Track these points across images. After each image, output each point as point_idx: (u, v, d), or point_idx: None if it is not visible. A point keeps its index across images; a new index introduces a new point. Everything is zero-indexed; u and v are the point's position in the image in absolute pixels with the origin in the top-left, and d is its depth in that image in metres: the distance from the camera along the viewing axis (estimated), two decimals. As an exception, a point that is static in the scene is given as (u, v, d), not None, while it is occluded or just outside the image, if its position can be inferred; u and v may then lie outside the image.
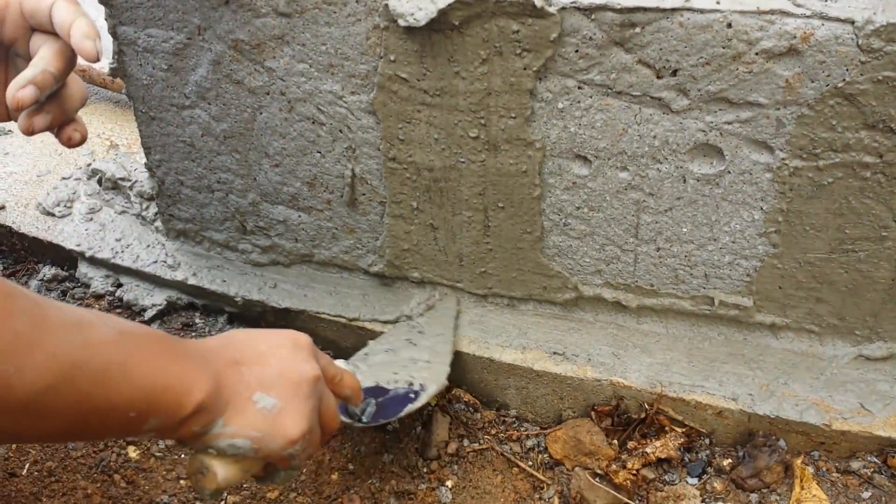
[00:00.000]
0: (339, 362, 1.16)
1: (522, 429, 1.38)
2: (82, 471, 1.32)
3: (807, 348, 1.33)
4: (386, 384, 1.29)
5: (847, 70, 1.05)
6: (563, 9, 1.10)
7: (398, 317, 1.45)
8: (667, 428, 1.29)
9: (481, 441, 1.35)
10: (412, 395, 1.27)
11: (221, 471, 0.90)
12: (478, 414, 1.39)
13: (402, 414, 1.24)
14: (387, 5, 1.17)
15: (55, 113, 1.06)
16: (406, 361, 1.34)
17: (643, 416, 1.30)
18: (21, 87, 0.98)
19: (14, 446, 1.35)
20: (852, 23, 1.02)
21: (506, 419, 1.40)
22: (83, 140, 1.11)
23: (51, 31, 1.05)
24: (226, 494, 1.28)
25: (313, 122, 1.34)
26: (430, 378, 1.30)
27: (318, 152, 1.38)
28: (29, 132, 1.04)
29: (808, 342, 1.33)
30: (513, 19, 1.12)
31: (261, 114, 1.36)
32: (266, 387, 0.92)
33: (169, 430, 0.83)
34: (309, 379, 0.96)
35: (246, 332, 1.01)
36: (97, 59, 1.03)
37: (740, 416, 1.26)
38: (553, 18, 1.11)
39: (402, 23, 1.15)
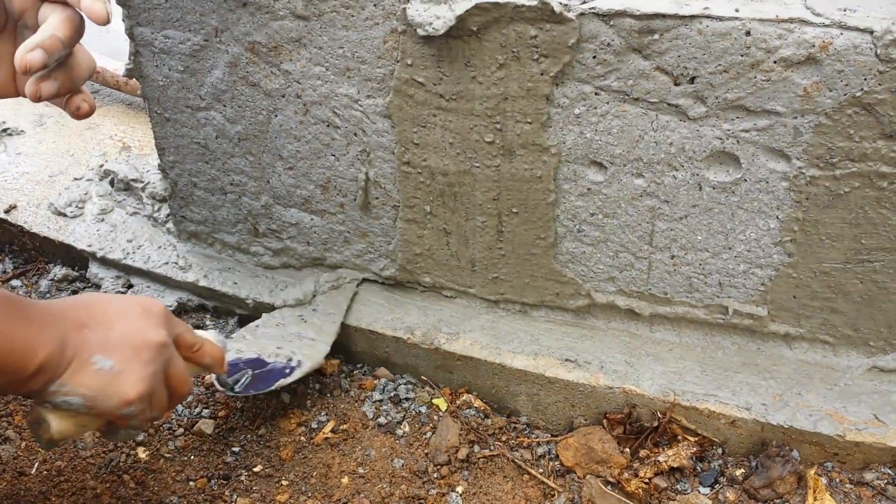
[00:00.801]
0: (209, 333, 1.20)
1: (533, 436, 1.38)
2: (91, 471, 1.32)
3: (821, 359, 1.33)
4: (267, 357, 1.36)
5: (865, 79, 1.05)
6: (582, 14, 1.10)
7: (306, 295, 1.49)
8: (679, 437, 1.28)
9: (492, 447, 1.34)
10: (287, 371, 1.34)
11: (56, 424, 0.98)
12: (488, 420, 1.39)
13: (274, 387, 1.32)
14: (405, 10, 1.17)
15: (62, 80, 1.06)
16: (292, 337, 1.40)
17: (656, 424, 1.29)
18: (29, 51, 0.98)
19: (24, 444, 1.35)
20: (871, 32, 1.02)
21: (516, 426, 1.39)
22: (91, 111, 1.11)
23: (59, 1, 1.05)
24: (234, 496, 1.27)
25: (328, 126, 1.34)
26: (309, 355, 1.36)
27: (333, 155, 1.38)
28: (36, 97, 1.05)
29: (822, 353, 1.32)
30: (531, 24, 1.13)
31: (276, 116, 1.37)
32: (107, 349, 0.97)
33: (13, 386, 0.91)
34: (152, 344, 1.01)
35: (97, 296, 1.06)
36: (107, 21, 1.03)
37: (753, 426, 1.25)
38: (571, 24, 1.11)
39: (420, 32, 1.16)
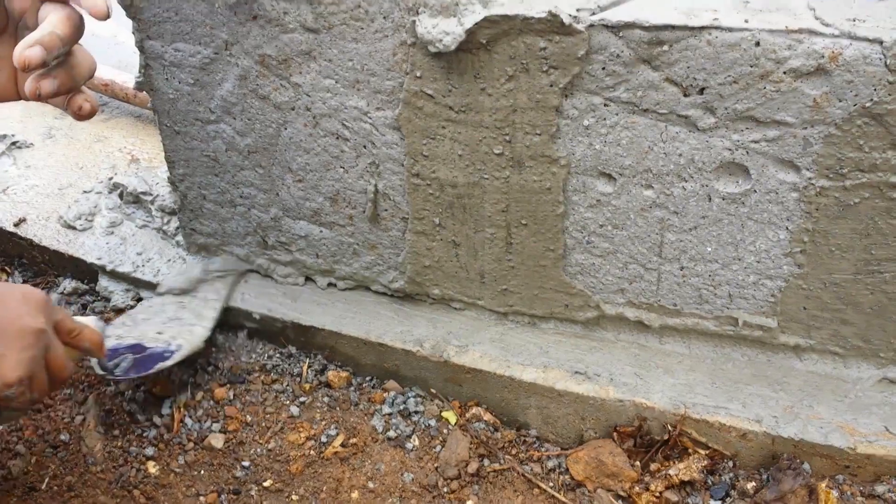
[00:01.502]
0: (88, 319, 1.25)
1: (543, 449, 1.37)
2: (101, 486, 1.31)
3: (831, 370, 1.32)
4: (147, 342, 1.40)
5: (875, 90, 1.05)
6: (592, 26, 1.11)
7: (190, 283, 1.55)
8: (690, 450, 1.28)
9: (502, 461, 1.34)
10: (167, 354, 1.38)
11: None
12: (498, 433, 1.38)
13: (153, 371, 1.36)
14: (414, 23, 1.17)
15: (62, 79, 1.06)
16: (172, 322, 1.44)
17: (666, 437, 1.28)
18: (28, 47, 0.99)
19: (34, 459, 1.35)
20: (881, 43, 1.02)
21: (526, 439, 1.39)
22: (93, 111, 1.12)
23: (59, 0, 1.06)
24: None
25: (338, 138, 1.35)
26: (188, 339, 1.41)
27: (342, 168, 1.38)
28: (35, 95, 1.05)
29: (832, 364, 1.32)
30: (540, 36, 1.13)
31: (285, 129, 1.37)
32: None
33: None
34: (31, 330, 1.05)
35: None
36: (107, 16, 1.03)
37: (764, 439, 1.25)
38: (581, 36, 1.11)
39: (431, 49, 1.16)
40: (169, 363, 1.37)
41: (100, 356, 1.25)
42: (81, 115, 1.12)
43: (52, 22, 1.03)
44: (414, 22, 1.17)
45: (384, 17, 1.20)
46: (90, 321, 1.24)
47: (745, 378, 1.32)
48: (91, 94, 1.12)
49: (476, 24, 1.13)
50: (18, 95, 1.14)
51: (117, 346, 1.39)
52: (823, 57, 1.04)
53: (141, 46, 1.39)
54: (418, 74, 1.22)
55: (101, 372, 1.35)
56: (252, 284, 1.58)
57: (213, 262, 1.55)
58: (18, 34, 1.12)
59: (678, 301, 1.32)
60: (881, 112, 1.06)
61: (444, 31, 1.15)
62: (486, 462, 1.33)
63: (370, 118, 1.31)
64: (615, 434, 1.32)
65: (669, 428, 1.28)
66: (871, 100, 1.05)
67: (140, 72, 1.43)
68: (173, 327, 1.43)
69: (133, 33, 1.39)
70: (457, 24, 1.15)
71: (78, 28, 1.06)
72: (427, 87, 1.23)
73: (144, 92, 1.47)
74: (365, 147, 1.34)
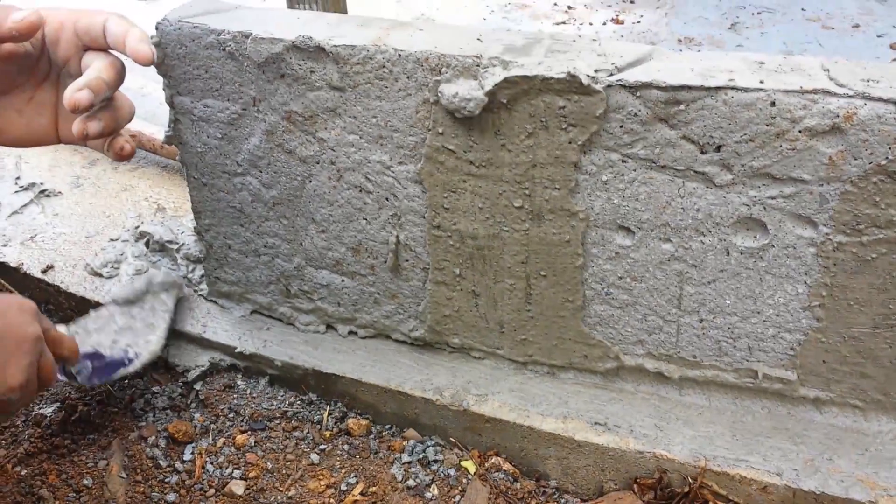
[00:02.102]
0: (60, 327, 1.35)
1: (563, 500, 1.37)
2: (123, 532, 1.33)
3: (851, 423, 1.32)
4: (104, 350, 1.48)
5: (890, 148, 1.07)
6: (609, 86, 1.14)
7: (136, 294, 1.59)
8: (710, 502, 1.28)
9: (521, 511, 1.34)
10: (126, 362, 1.48)
11: None
12: (517, 484, 1.38)
13: (116, 377, 1.48)
14: (437, 82, 1.21)
15: (107, 121, 1.14)
16: (125, 331, 1.52)
17: (687, 490, 1.28)
18: (77, 90, 1.06)
19: (57, 505, 1.36)
20: (895, 103, 1.04)
21: (546, 490, 1.39)
22: (133, 152, 1.22)
23: (102, 48, 1.13)
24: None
25: (361, 191, 1.38)
26: (145, 348, 1.51)
27: (364, 219, 1.41)
28: (83, 136, 1.13)
29: (852, 417, 1.32)
30: (559, 96, 1.16)
31: (310, 182, 1.41)
32: None
33: None
34: (31, 338, 1.13)
35: None
36: (152, 61, 1.14)
37: (785, 492, 1.25)
38: (599, 96, 1.14)
39: (458, 116, 1.20)
40: (131, 369, 1.49)
41: (74, 363, 1.37)
42: (122, 156, 1.20)
43: (97, 67, 1.11)
44: (437, 81, 1.21)
45: (408, 77, 1.24)
46: (62, 329, 1.35)
47: (765, 431, 1.32)
48: (130, 137, 1.18)
49: (496, 84, 1.17)
50: (58, 139, 1.20)
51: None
52: (838, 116, 1.07)
53: (171, 102, 1.44)
54: (440, 131, 1.25)
55: (64, 378, 1.44)
56: (274, 332, 1.60)
57: (156, 275, 1.61)
58: (61, 81, 1.19)
59: (697, 353, 1.33)
60: (896, 170, 1.08)
61: (466, 97, 1.19)
62: (505, 513, 1.34)
63: (393, 172, 1.34)
64: (635, 486, 1.32)
65: (690, 480, 1.28)
66: (887, 158, 1.07)
67: (169, 126, 1.47)
68: (127, 336, 1.52)
69: (164, 89, 1.43)
70: (478, 87, 1.18)
71: (120, 74, 1.15)
72: (449, 143, 1.26)
73: (170, 145, 1.51)
74: (387, 199, 1.37)
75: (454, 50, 1.21)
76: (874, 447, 1.28)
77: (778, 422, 1.33)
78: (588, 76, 1.13)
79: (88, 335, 1.51)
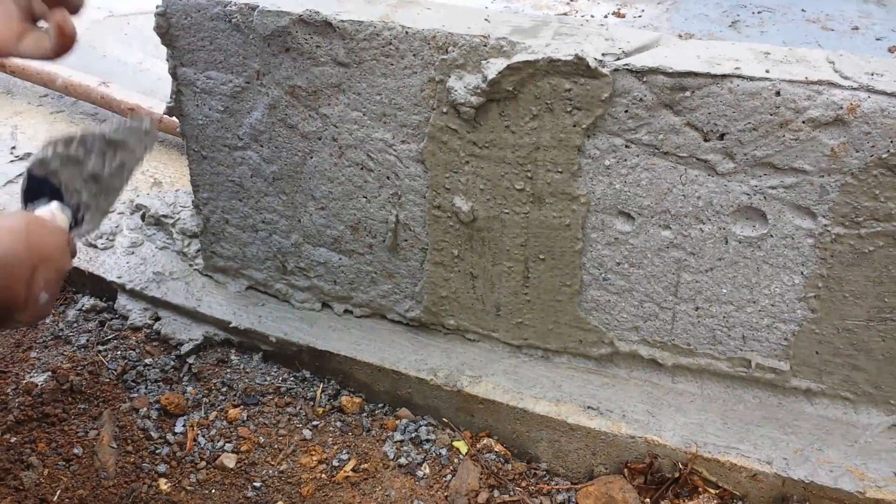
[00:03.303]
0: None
1: (553, 482, 1.38)
2: (113, 500, 1.32)
3: (841, 415, 1.33)
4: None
5: (892, 141, 1.08)
6: (616, 70, 1.14)
7: None
8: (700, 489, 1.29)
9: (512, 493, 1.35)
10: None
11: None
12: (509, 465, 1.39)
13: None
14: (443, 61, 1.21)
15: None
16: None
17: (677, 475, 1.29)
18: None
19: (46, 472, 1.36)
20: (898, 96, 1.05)
21: (536, 472, 1.40)
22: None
23: None
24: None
25: (362, 168, 1.38)
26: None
27: (364, 197, 1.41)
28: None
29: (842, 409, 1.33)
30: (565, 78, 1.16)
31: (311, 158, 1.40)
32: None
33: None
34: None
35: None
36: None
37: (774, 480, 1.26)
38: (605, 79, 1.14)
39: (462, 111, 1.22)
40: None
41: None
42: (66, 34, 1.16)
43: None
44: (443, 59, 1.21)
45: (414, 55, 1.24)
46: None
47: (756, 420, 1.33)
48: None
49: (500, 72, 1.17)
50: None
51: None
52: (842, 108, 1.07)
53: (174, 73, 1.43)
54: (444, 110, 1.25)
55: None
56: (269, 308, 1.60)
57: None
58: None
59: (692, 341, 1.34)
60: (897, 163, 1.09)
61: (469, 88, 1.20)
62: (496, 493, 1.34)
63: (395, 150, 1.34)
64: (626, 470, 1.33)
65: (680, 466, 1.29)
66: (888, 151, 1.08)
67: (171, 97, 1.46)
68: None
69: (167, 60, 1.43)
70: (481, 79, 1.19)
71: None
72: (452, 123, 1.26)
73: (170, 117, 1.50)
74: (388, 178, 1.37)
75: (462, 29, 1.21)
76: (864, 439, 1.30)
77: (769, 411, 1.35)
78: (595, 59, 1.13)
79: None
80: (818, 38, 3.08)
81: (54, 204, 1.15)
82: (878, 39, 3.06)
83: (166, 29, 1.39)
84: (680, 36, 3.04)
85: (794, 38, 3.07)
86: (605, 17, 3.23)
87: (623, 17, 3.26)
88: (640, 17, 3.28)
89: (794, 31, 3.16)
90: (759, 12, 3.34)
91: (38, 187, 1.18)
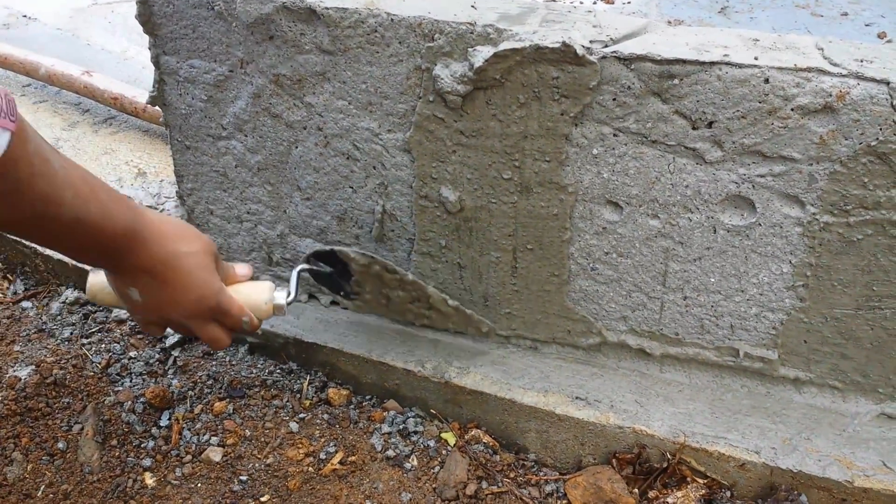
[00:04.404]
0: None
1: (542, 473, 1.37)
2: (97, 495, 1.31)
3: (830, 404, 1.33)
4: None
5: (881, 129, 1.07)
6: (604, 58, 1.13)
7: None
8: (688, 479, 1.28)
9: (500, 484, 1.34)
10: None
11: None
12: (497, 456, 1.38)
13: None
14: (429, 48, 1.19)
15: None
16: None
17: (665, 465, 1.29)
18: None
19: (30, 467, 1.34)
20: (888, 83, 1.04)
21: (525, 463, 1.39)
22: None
23: None
24: (241, 526, 1.27)
25: (348, 158, 1.36)
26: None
27: (351, 187, 1.40)
28: None
29: (831, 398, 1.33)
30: (553, 66, 1.15)
31: (296, 147, 1.39)
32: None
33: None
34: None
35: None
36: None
37: (763, 470, 1.26)
38: (593, 67, 1.13)
39: (448, 99, 1.20)
40: None
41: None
42: None
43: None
44: (430, 47, 1.19)
45: (399, 42, 1.22)
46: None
47: (744, 409, 1.33)
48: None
49: (486, 60, 1.15)
50: None
51: None
52: (831, 96, 1.07)
53: (156, 62, 1.41)
54: (431, 99, 1.24)
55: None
56: (255, 300, 1.58)
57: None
58: None
59: (680, 330, 1.33)
60: (886, 151, 1.08)
61: (456, 77, 1.19)
62: (484, 484, 1.34)
63: (381, 140, 1.32)
64: (614, 460, 1.32)
65: (668, 456, 1.29)
66: (877, 139, 1.07)
67: (154, 87, 1.44)
68: None
69: (149, 48, 1.41)
70: (468, 67, 1.17)
71: None
72: (439, 112, 1.25)
73: (153, 107, 1.48)
74: (374, 168, 1.36)
75: (448, 16, 1.20)
76: (852, 428, 1.30)
77: (757, 401, 1.34)
78: (583, 46, 1.12)
79: None
80: (807, 23, 3.08)
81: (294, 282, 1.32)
82: (867, 25, 3.06)
83: (148, 17, 1.37)
84: (669, 22, 3.02)
85: (783, 24, 3.07)
86: (594, 3, 3.21)
87: (612, 3, 3.25)
88: (629, 3, 3.27)
89: (783, 17, 3.15)
90: (748, -2, 3.33)
91: (329, 259, 1.37)
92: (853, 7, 3.22)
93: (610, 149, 1.20)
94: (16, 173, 0.87)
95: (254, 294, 1.24)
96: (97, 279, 1.18)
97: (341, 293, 1.40)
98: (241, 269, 1.27)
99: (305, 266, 1.35)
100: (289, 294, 1.27)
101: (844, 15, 3.15)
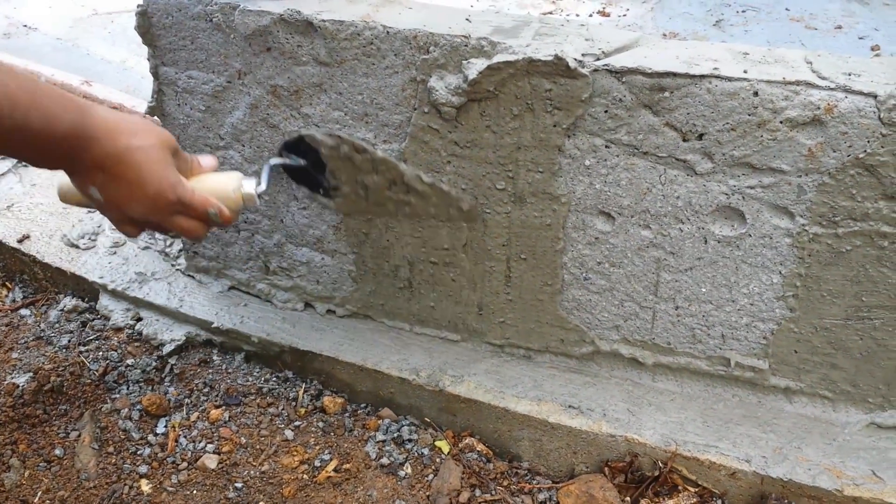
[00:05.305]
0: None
1: (535, 482, 1.38)
2: (94, 502, 1.32)
3: (820, 413, 1.34)
4: None
5: (868, 142, 1.08)
6: (596, 71, 1.15)
7: None
8: (680, 487, 1.29)
9: (493, 492, 1.35)
10: None
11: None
12: (490, 464, 1.39)
13: None
14: (424, 61, 1.21)
15: None
16: None
17: (657, 473, 1.30)
18: None
19: (27, 473, 1.35)
20: (875, 97, 1.06)
21: (518, 471, 1.40)
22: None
23: None
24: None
25: (344, 168, 1.38)
26: None
27: (346, 197, 1.41)
28: None
29: (821, 408, 1.34)
30: (546, 79, 1.17)
31: (293, 157, 1.40)
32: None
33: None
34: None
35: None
36: None
37: (753, 479, 1.27)
38: (585, 80, 1.15)
39: (443, 110, 1.22)
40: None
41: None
42: None
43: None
44: (424, 59, 1.21)
45: (395, 55, 1.24)
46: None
47: (735, 418, 1.34)
48: None
49: (480, 72, 1.17)
50: None
51: None
52: (819, 108, 1.08)
53: (155, 72, 1.43)
54: (426, 110, 1.26)
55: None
56: (252, 308, 1.60)
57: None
58: None
59: (672, 340, 1.35)
60: (874, 163, 1.09)
61: (450, 89, 1.20)
62: (477, 493, 1.35)
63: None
64: (606, 469, 1.34)
65: (660, 464, 1.30)
66: (865, 151, 1.09)
67: (153, 97, 1.46)
68: None
69: (148, 59, 1.42)
70: (462, 80, 1.19)
71: None
72: (433, 123, 1.26)
73: (152, 117, 1.50)
74: (370, 178, 1.37)
75: (443, 29, 1.21)
76: (842, 437, 1.31)
77: (748, 410, 1.35)
78: (575, 60, 1.14)
79: None
80: (801, 36, 3.10)
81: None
82: (860, 38, 3.08)
83: (147, 28, 1.39)
84: (664, 35, 3.05)
85: (777, 37, 3.09)
86: (590, 16, 3.24)
87: (608, 16, 3.27)
88: (624, 16, 3.29)
89: (777, 30, 3.18)
90: (743, 11, 3.36)
91: (300, 149, 1.25)
92: (847, 20, 3.25)
93: (602, 160, 1.22)
94: None
95: (220, 184, 1.19)
96: (65, 180, 1.15)
97: (320, 190, 1.31)
98: (206, 160, 1.22)
99: (278, 160, 1.28)
100: (259, 184, 1.21)
101: (838, 28, 3.17)
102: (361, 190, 1.29)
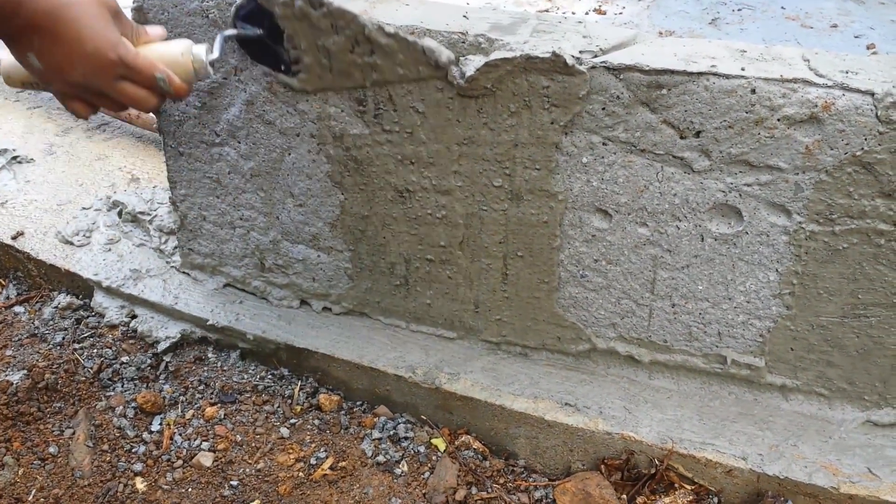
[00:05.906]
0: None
1: (531, 479, 1.38)
2: (89, 500, 1.31)
3: (816, 411, 1.34)
4: None
5: (865, 139, 1.08)
6: (593, 68, 1.14)
7: None
8: (676, 485, 1.29)
9: (489, 490, 1.35)
10: None
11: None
12: (486, 462, 1.39)
13: None
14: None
15: None
16: None
17: (653, 471, 1.30)
18: None
19: (21, 471, 1.35)
20: (872, 94, 1.06)
21: (514, 468, 1.40)
22: None
23: None
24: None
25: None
26: None
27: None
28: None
29: (817, 405, 1.34)
30: (543, 75, 1.16)
31: (289, 154, 1.40)
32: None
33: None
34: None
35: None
36: None
37: (749, 476, 1.27)
38: (583, 77, 1.15)
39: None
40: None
41: None
42: None
43: None
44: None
45: (392, 50, 1.23)
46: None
47: (731, 416, 1.34)
48: None
49: (478, 69, 1.17)
50: None
51: None
52: (816, 106, 1.08)
53: (150, 68, 1.42)
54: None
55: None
56: (247, 306, 1.59)
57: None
58: None
59: (668, 337, 1.34)
60: (871, 161, 1.09)
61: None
62: (473, 490, 1.34)
63: (373, 147, 1.33)
64: (603, 466, 1.33)
65: (657, 462, 1.30)
66: (862, 149, 1.09)
67: (148, 92, 1.45)
68: None
69: (143, 55, 1.41)
70: (459, 74, 1.18)
71: None
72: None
73: (147, 113, 1.49)
74: (367, 175, 1.37)
75: (440, 25, 1.21)
76: (838, 435, 1.31)
77: (744, 407, 1.35)
78: (573, 56, 1.13)
79: None
80: (797, 35, 3.10)
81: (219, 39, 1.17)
82: (856, 37, 3.08)
83: (143, 23, 1.38)
84: (660, 33, 3.05)
85: (773, 36, 3.09)
86: (586, 13, 3.23)
87: (604, 13, 3.27)
88: (620, 13, 3.29)
89: (773, 28, 3.18)
90: (738, 10, 3.36)
91: (256, 15, 1.21)
92: (842, 19, 3.25)
93: (599, 157, 1.22)
94: None
95: (168, 50, 1.12)
96: (7, 59, 1.11)
97: (282, 68, 1.25)
98: (154, 29, 1.16)
99: (232, 31, 1.23)
100: (210, 51, 1.14)
101: (834, 27, 3.17)
102: (324, 58, 1.22)
